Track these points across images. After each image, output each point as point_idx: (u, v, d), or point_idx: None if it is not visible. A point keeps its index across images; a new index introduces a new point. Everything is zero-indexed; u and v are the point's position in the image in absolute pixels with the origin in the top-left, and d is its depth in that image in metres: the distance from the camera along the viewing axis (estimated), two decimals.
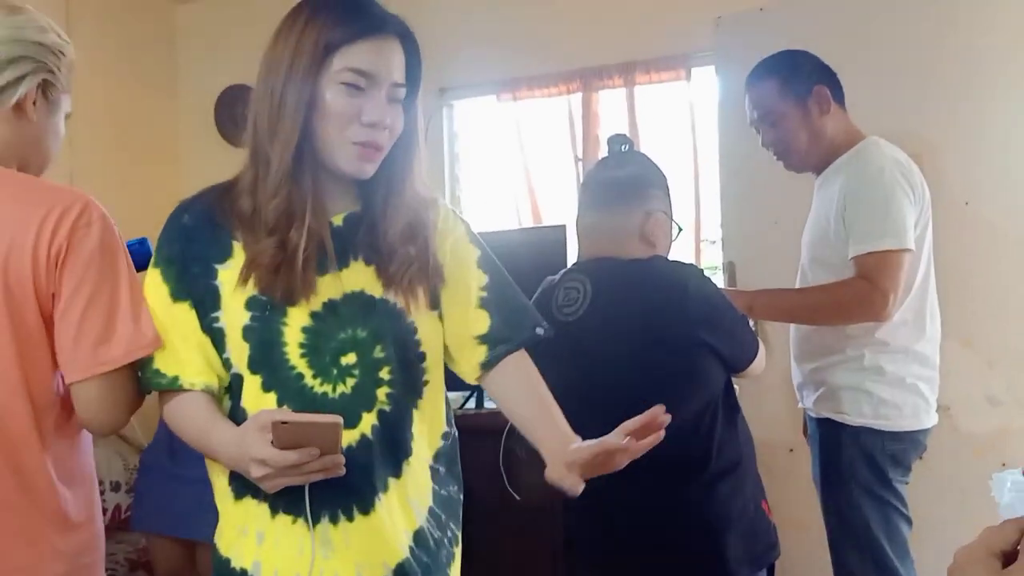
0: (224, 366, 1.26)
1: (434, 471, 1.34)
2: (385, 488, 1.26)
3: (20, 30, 1.34)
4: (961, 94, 2.59)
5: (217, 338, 1.25)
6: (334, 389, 1.24)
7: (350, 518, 1.24)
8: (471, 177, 3.93)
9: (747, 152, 2.53)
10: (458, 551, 1.38)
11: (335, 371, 1.24)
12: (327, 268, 1.25)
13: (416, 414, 1.31)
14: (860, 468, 2.08)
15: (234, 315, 1.24)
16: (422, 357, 1.31)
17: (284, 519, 1.24)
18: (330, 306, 1.25)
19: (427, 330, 1.31)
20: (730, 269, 2.94)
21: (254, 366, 1.24)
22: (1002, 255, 2.58)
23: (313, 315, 1.24)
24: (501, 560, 2.58)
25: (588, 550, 1.81)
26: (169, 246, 1.28)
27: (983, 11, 2.59)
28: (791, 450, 2.69)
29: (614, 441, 1.15)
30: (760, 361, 1.82)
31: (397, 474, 1.27)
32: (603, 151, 2.10)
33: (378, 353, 1.26)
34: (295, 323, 1.23)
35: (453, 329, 1.35)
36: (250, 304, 1.23)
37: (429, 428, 1.34)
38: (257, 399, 1.24)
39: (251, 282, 1.23)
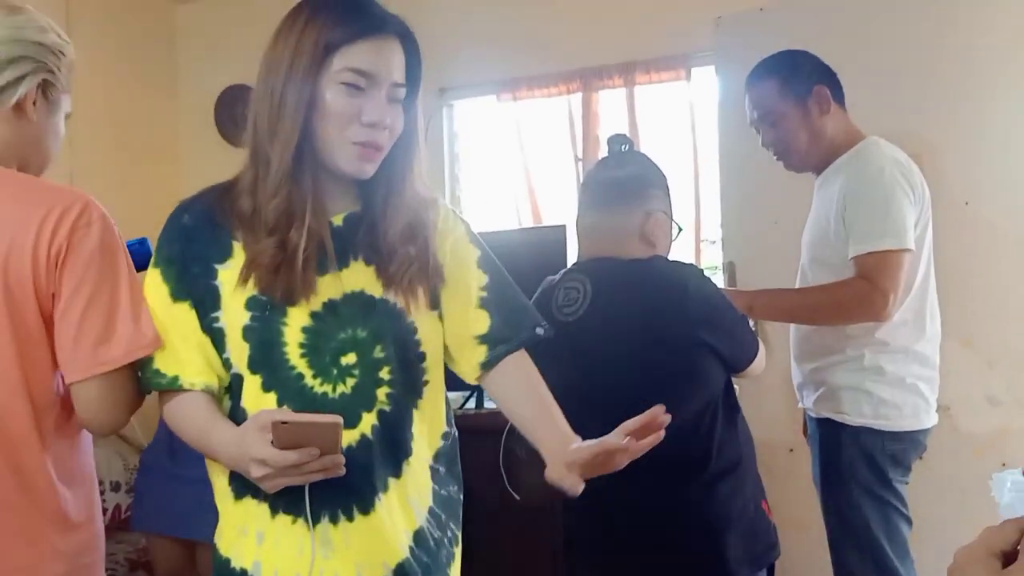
0: (224, 366, 1.26)
1: (434, 471, 1.34)
2: (385, 488, 1.26)
3: (20, 30, 1.34)
4: (961, 94, 2.59)
5: (217, 338, 1.25)
6: (334, 389, 1.24)
7: (350, 518, 1.24)
8: (471, 177, 3.93)
9: (747, 152, 2.52)
10: (458, 551, 1.38)
11: (335, 371, 1.24)
12: (327, 268, 1.25)
13: (416, 414, 1.31)
14: (860, 468, 2.07)
15: (234, 315, 1.24)
16: (422, 357, 1.31)
17: (284, 519, 1.24)
18: (330, 306, 1.25)
19: (427, 330, 1.31)
20: (730, 269, 2.94)
21: (254, 366, 1.24)
22: (1002, 255, 2.58)
23: (313, 315, 1.24)
24: (501, 560, 2.58)
25: (588, 550, 1.81)
26: (169, 246, 1.28)
27: (983, 11, 2.59)
28: (791, 450, 2.69)
29: (614, 441, 1.15)
30: (760, 361, 1.82)
31: (397, 474, 1.27)
32: (603, 151, 2.09)
33: (378, 353, 1.26)
34: (295, 323, 1.23)
35: (453, 329, 1.35)
36: (250, 304, 1.23)
37: (429, 428, 1.34)
38: (257, 399, 1.24)
39: (251, 282, 1.23)
